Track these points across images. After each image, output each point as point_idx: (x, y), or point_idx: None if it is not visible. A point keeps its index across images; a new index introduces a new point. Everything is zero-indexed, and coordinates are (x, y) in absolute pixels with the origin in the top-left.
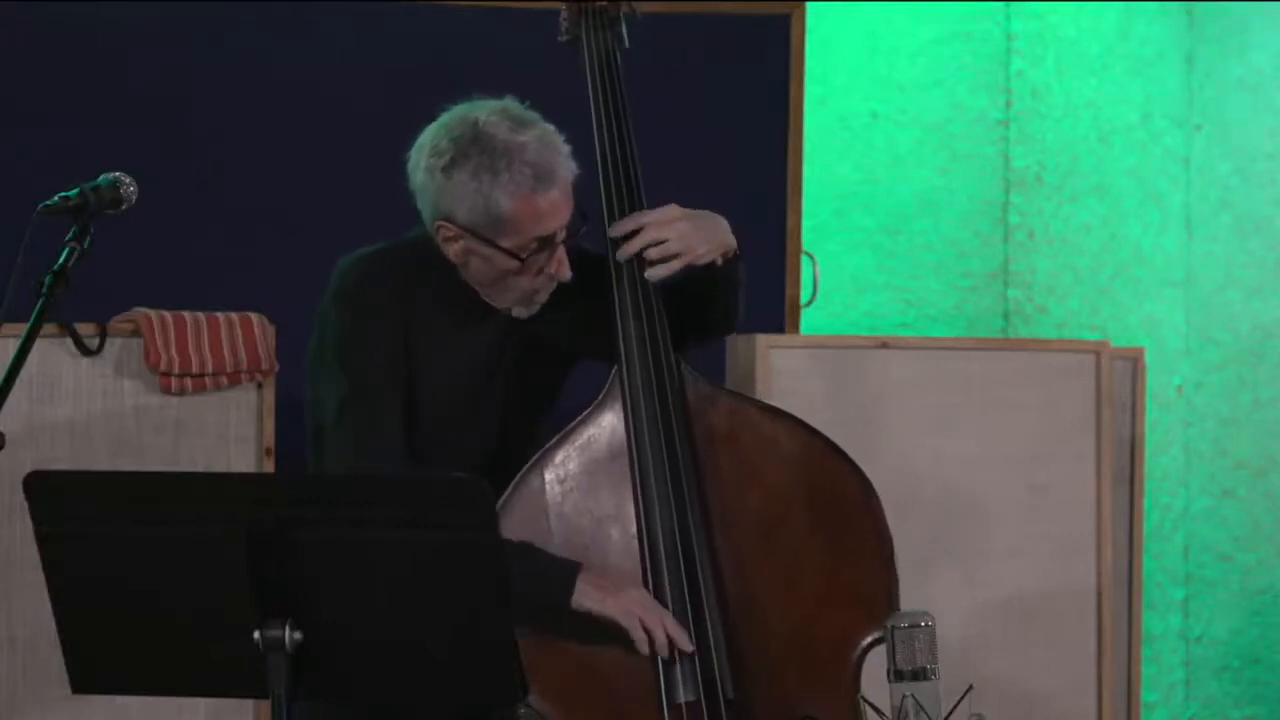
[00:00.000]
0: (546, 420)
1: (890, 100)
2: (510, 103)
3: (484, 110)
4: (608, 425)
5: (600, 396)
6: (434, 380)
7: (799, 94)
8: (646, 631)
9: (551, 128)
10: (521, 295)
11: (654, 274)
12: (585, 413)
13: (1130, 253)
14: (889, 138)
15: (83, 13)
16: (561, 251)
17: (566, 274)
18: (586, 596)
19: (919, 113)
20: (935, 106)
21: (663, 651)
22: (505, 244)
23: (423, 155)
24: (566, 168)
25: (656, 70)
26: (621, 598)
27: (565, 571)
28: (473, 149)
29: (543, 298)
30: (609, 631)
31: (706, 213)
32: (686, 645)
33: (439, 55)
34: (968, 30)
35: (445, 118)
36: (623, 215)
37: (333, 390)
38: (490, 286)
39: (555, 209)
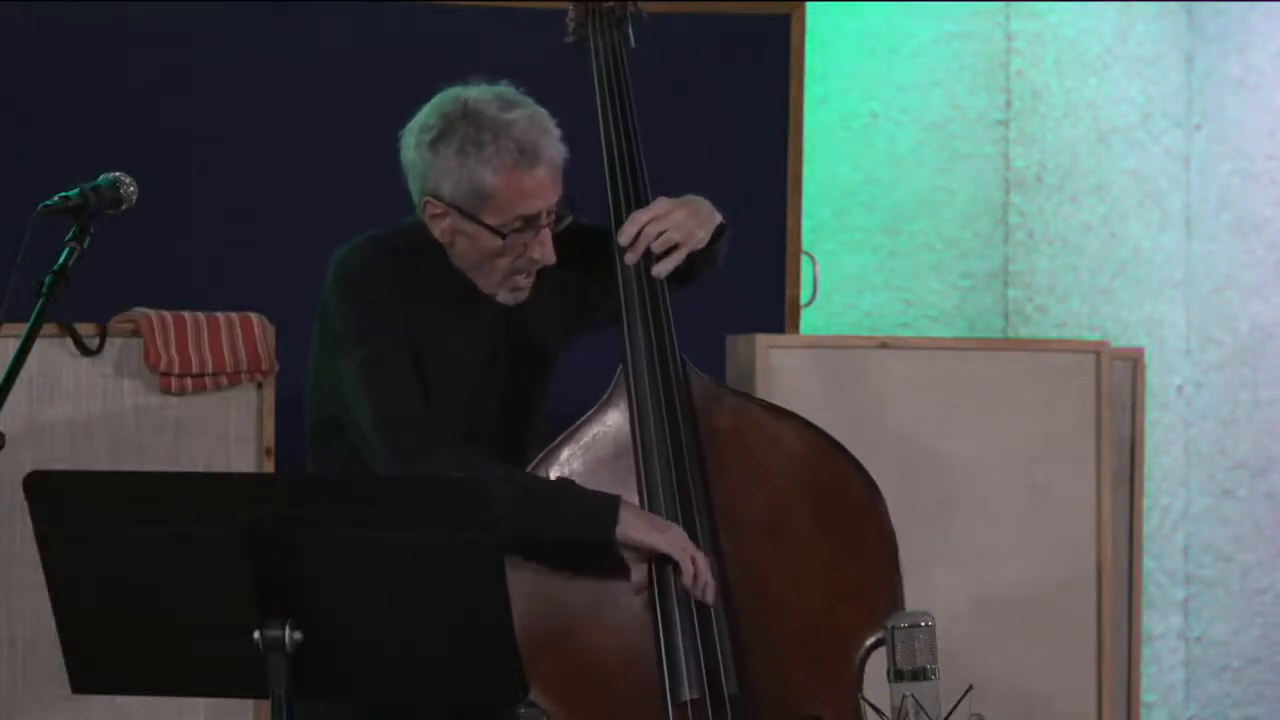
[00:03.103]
0: (542, 420)
1: (890, 100)
2: (503, 86)
3: (473, 90)
4: (613, 424)
5: (605, 395)
6: (432, 375)
7: (799, 94)
8: (693, 567)
9: (544, 111)
10: (504, 276)
11: (661, 269)
12: (590, 411)
13: (1130, 253)
14: (889, 138)
15: (83, 13)
16: (545, 234)
17: (551, 257)
18: (633, 528)
19: (919, 113)
20: (935, 106)
21: (697, 592)
22: (489, 220)
23: (412, 133)
24: (554, 148)
25: (656, 70)
26: (670, 533)
27: (607, 503)
28: (460, 123)
29: (526, 281)
30: (611, 625)
31: (691, 197)
32: (710, 597)
33: (439, 55)
34: (968, 30)
35: (438, 97)
36: (630, 214)
37: (350, 363)
38: (475, 269)
39: (541, 188)
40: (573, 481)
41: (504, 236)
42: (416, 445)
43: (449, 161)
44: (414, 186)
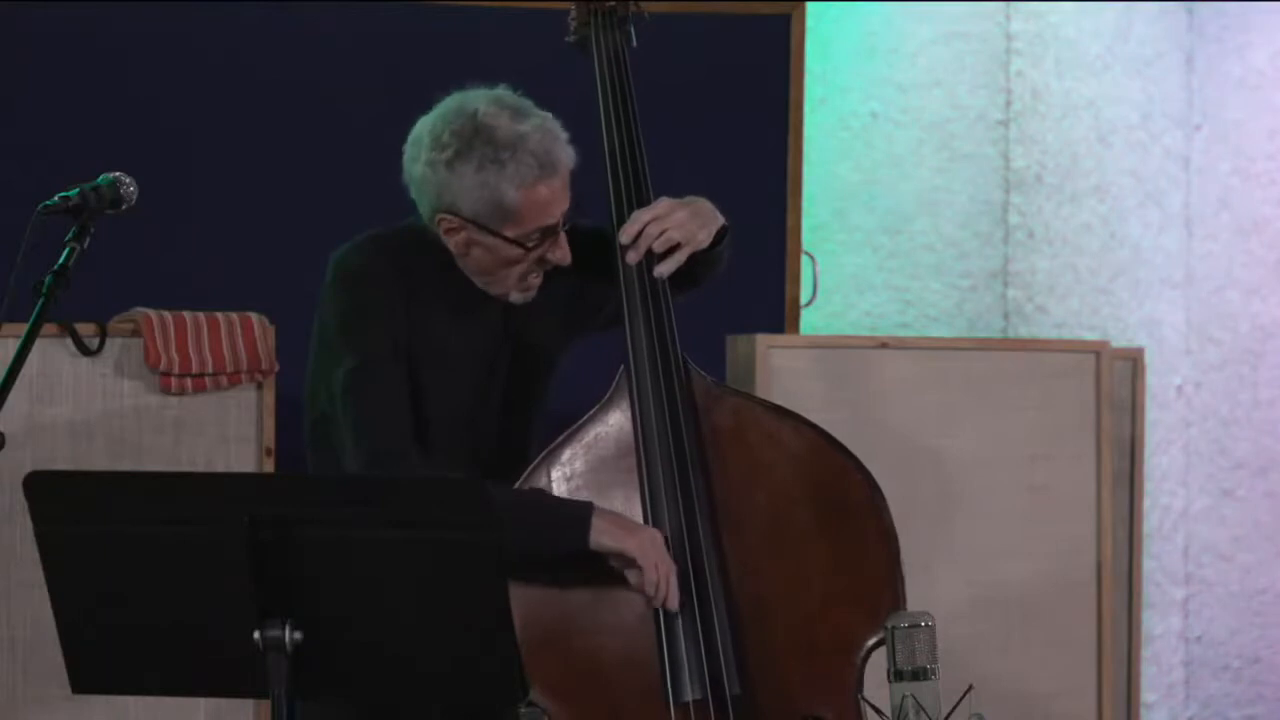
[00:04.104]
0: (543, 420)
1: (890, 100)
2: (503, 91)
3: (480, 101)
4: (615, 424)
5: (607, 395)
6: (433, 376)
7: (799, 94)
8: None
9: (548, 114)
10: (518, 279)
11: (663, 269)
12: (592, 411)
13: (1130, 253)
14: (889, 138)
15: (83, 13)
16: (562, 237)
17: (567, 258)
18: (605, 534)
19: (919, 113)
20: (935, 106)
21: (656, 601)
22: (510, 234)
23: (421, 149)
24: (567, 154)
25: (656, 70)
26: (641, 536)
27: (579, 511)
28: (476, 141)
29: (538, 280)
30: (611, 624)
31: (693, 198)
32: (674, 604)
33: (439, 55)
34: (968, 30)
35: (441, 109)
36: (632, 214)
37: (339, 368)
38: (489, 275)
39: (557, 196)
40: (544, 492)
41: (527, 249)
42: (390, 457)
43: (467, 180)
44: (424, 202)
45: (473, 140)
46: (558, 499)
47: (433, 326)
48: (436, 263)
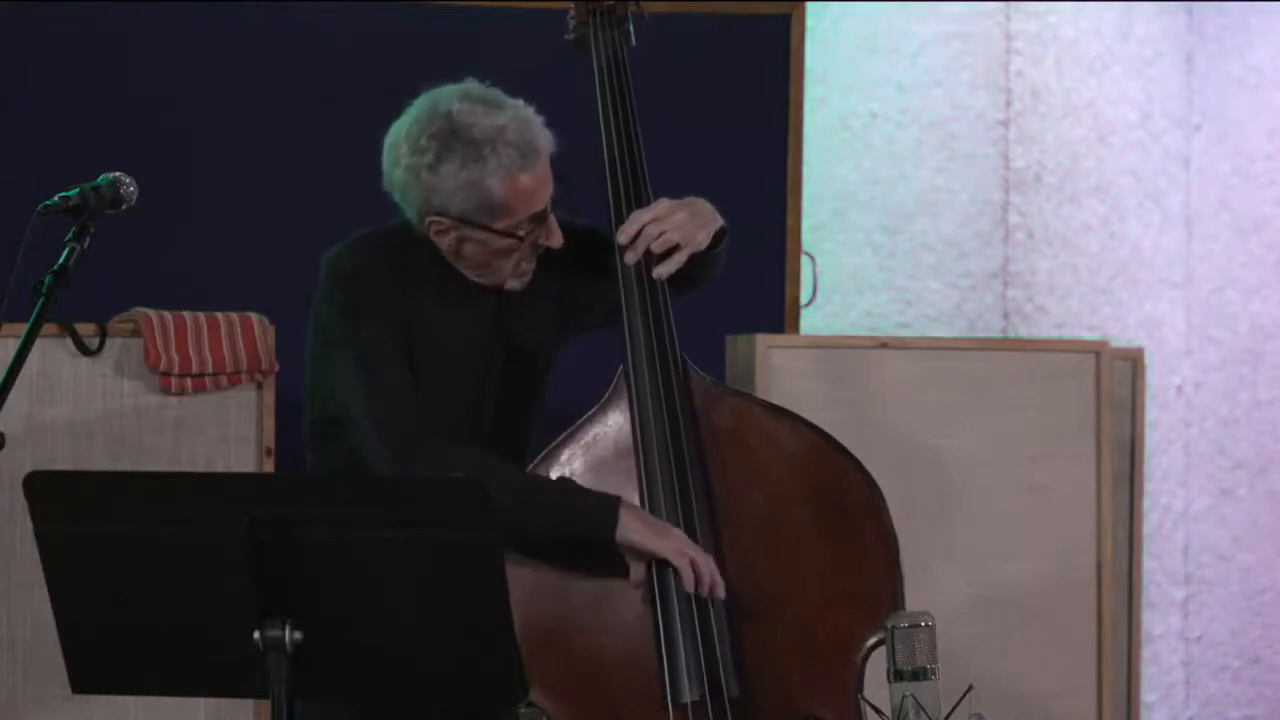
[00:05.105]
0: (542, 418)
1: (890, 100)
2: (471, 84)
3: (451, 99)
4: (614, 424)
5: (606, 396)
6: (430, 373)
7: (799, 94)
8: (694, 571)
9: (520, 101)
10: (514, 267)
11: (662, 271)
12: (590, 411)
13: (1130, 253)
14: (889, 138)
15: (83, 13)
16: (552, 221)
17: (559, 240)
18: (633, 530)
19: (919, 113)
20: (935, 106)
21: (704, 591)
22: (501, 226)
23: (400, 155)
24: (545, 138)
25: (655, 70)
26: (670, 538)
27: (607, 504)
28: (454, 142)
29: (531, 266)
30: (611, 624)
31: (692, 199)
32: (722, 592)
33: (439, 55)
34: (968, 30)
35: (413, 113)
36: (631, 214)
37: (343, 362)
38: (483, 268)
39: (542, 183)
40: (573, 481)
41: (520, 239)
42: (413, 441)
43: (451, 181)
44: (411, 207)
45: (451, 141)
46: (586, 489)
47: (429, 323)
48: (431, 258)
